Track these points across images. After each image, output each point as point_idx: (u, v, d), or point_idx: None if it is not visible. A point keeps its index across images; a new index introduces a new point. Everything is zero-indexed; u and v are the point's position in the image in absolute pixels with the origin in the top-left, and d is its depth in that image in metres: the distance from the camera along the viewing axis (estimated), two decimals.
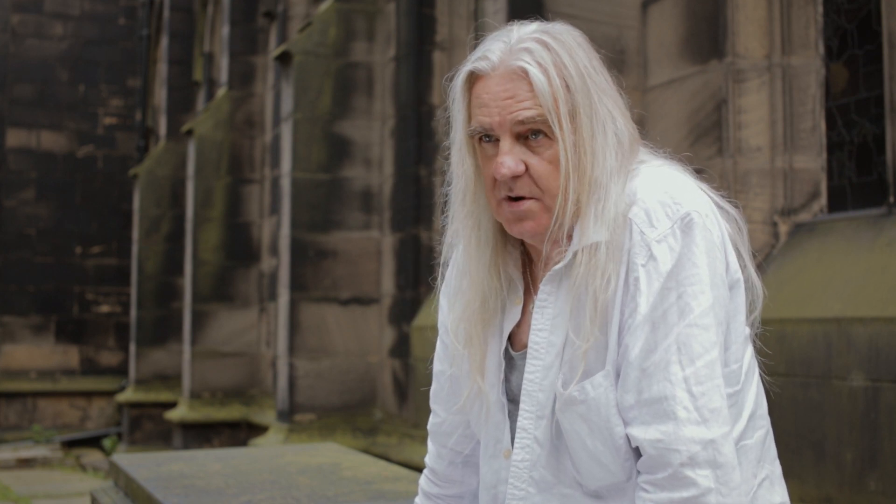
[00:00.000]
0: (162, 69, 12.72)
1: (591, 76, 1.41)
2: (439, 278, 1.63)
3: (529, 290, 1.52)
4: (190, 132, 9.98)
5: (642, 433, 1.34)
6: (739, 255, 1.46)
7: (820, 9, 4.27)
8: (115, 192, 13.81)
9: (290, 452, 3.71)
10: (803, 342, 3.65)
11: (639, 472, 1.38)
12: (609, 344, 1.38)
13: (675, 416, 1.32)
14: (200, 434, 9.61)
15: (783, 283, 3.99)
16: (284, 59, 7.30)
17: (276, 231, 8.30)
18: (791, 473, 3.20)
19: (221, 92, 10.20)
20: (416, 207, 6.66)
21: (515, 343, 1.53)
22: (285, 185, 7.24)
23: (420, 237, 6.69)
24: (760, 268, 4.12)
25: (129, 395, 11.47)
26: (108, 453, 11.33)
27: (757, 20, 4.30)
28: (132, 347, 11.64)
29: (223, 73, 10.34)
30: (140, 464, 3.46)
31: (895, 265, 3.54)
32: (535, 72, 1.37)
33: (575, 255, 1.39)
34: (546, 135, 1.39)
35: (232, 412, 9.66)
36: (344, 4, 7.35)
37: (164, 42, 12.45)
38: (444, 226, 1.57)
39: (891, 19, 3.90)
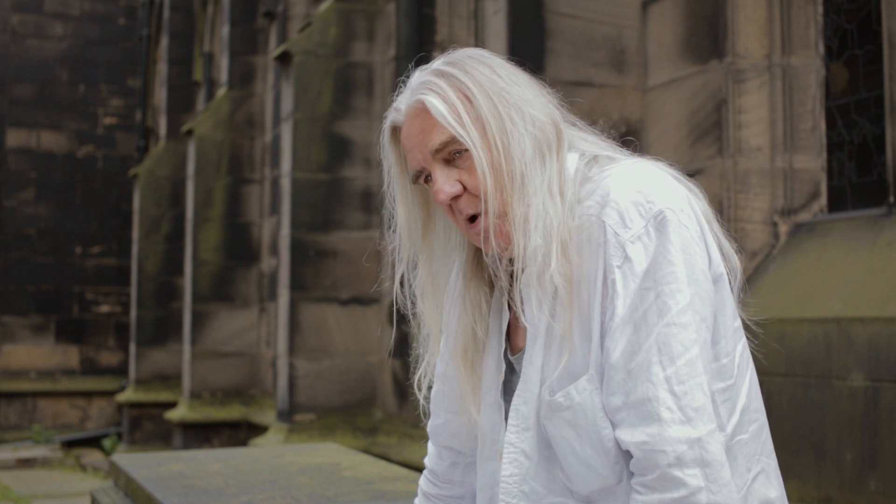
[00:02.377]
0: (162, 69, 12.72)
1: (489, 80, 1.44)
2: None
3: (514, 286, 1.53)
4: (190, 132, 9.98)
5: (629, 436, 1.34)
6: (714, 236, 1.45)
7: (820, 9, 4.27)
8: (115, 192, 13.81)
9: (290, 452, 3.71)
10: (803, 342, 3.65)
11: (632, 474, 1.38)
12: (592, 347, 1.38)
13: (659, 417, 1.31)
14: (200, 434, 9.61)
15: (783, 283, 3.99)
16: (284, 59, 7.30)
17: (276, 231, 8.30)
18: (791, 473, 3.20)
19: (221, 92, 10.20)
20: None
21: (513, 347, 1.54)
22: (285, 185, 7.24)
23: None
24: (760, 268, 4.14)
25: (129, 395, 11.47)
26: (108, 453, 11.33)
27: (757, 20, 4.30)
28: (132, 347, 11.64)
29: (223, 73, 10.34)
30: (140, 464, 3.46)
31: (895, 265, 3.54)
32: (429, 99, 1.42)
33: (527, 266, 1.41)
34: (467, 149, 1.42)
35: (232, 412, 9.66)
36: (344, 4, 7.35)
37: (164, 42, 12.45)
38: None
39: (891, 19, 3.90)
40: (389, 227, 1.58)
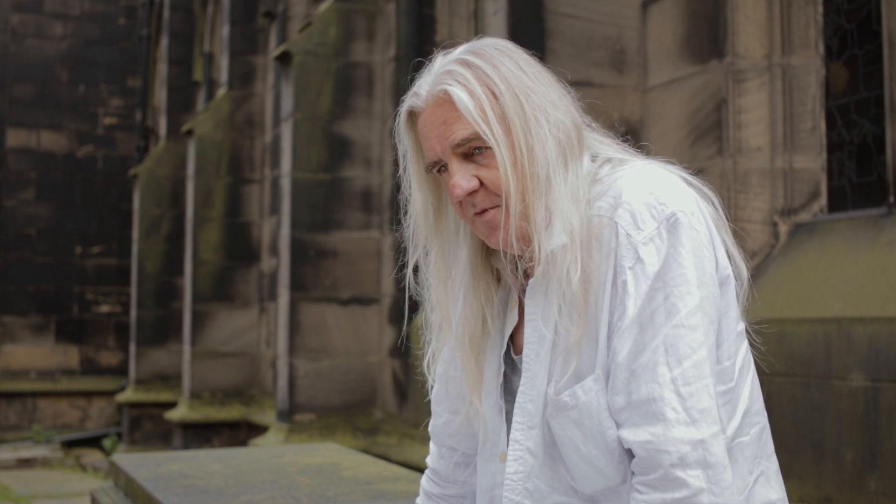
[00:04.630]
0: (162, 69, 12.72)
1: (516, 77, 1.42)
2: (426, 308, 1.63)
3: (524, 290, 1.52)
4: (190, 132, 9.99)
5: (632, 435, 1.34)
6: (723, 242, 1.45)
7: (820, 9, 4.28)
8: (115, 192, 13.81)
9: (290, 452, 3.71)
10: (803, 342, 3.65)
11: (633, 474, 1.38)
12: (599, 347, 1.39)
13: (663, 417, 1.32)
14: (200, 434, 9.61)
15: (783, 283, 3.99)
16: (284, 59, 7.30)
17: (276, 231, 8.30)
18: (791, 473, 3.20)
19: (221, 92, 10.20)
20: None
21: (517, 346, 1.53)
22: (285, 185, 7.24)
23: None
24: (760, 268, 4.14)
25: (129, 395, 11.47)
26: (108, 453, 11.33)
27: (757, 20, 4.30)
28: (132, 347, 11.64)
29: (223, 73, 10.35)
30: (140, 464, 3.46)
31: (895, 265, 3.54)
32: (455, 91, 1.40)
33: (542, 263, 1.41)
34: (488, 146, 1.40)
35: (232, 412, 9.66)
36: (344, 4, 7.35)
37: (164, 42, 12.45)
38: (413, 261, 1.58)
39: (891, 19, 3.91)
40: (404, 213, 1.55)
